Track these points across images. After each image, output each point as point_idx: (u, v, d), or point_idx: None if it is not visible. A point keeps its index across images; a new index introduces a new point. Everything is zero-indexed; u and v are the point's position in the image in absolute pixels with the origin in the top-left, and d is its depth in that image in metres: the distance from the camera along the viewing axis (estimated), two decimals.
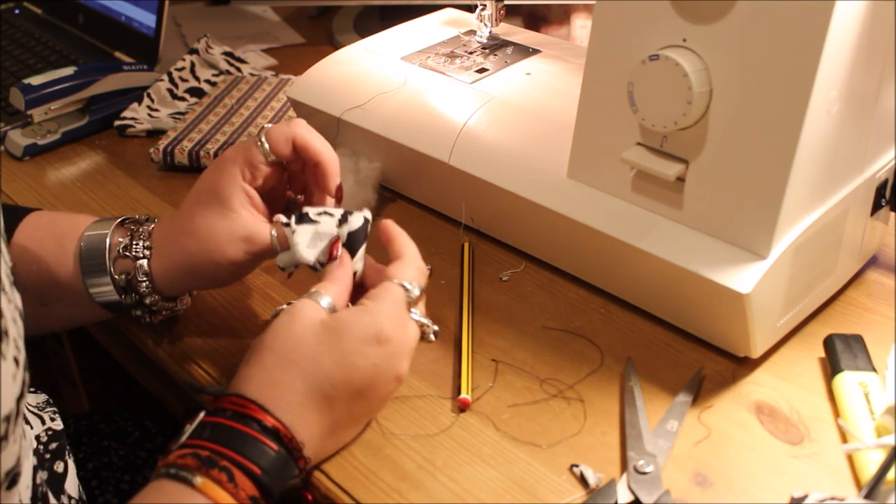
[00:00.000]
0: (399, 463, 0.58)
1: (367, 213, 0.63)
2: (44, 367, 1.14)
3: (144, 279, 0.64)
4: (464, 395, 0.62)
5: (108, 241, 0.64)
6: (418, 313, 0.59)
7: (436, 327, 0.61)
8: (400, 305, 0.58)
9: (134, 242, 0.64)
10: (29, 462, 0.58)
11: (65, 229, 0.66)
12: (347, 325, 0.55)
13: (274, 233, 0.63)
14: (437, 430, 0.61)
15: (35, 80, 0.97)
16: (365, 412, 0.58)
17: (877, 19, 0.59)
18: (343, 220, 0.62)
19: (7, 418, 0.48)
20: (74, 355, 1.04)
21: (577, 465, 0.57)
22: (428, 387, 0.64)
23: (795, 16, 0.56)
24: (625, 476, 0.56)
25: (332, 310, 0.58)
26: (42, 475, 0.63)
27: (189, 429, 0.53)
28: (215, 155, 0.90)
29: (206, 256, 0.62)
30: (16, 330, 0.49)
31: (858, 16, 0.57)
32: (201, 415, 0.54)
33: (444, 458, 0.59)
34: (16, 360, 0.48)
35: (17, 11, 1.29)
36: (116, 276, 0.64)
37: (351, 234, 0.62)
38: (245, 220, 0.63)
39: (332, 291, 0.58)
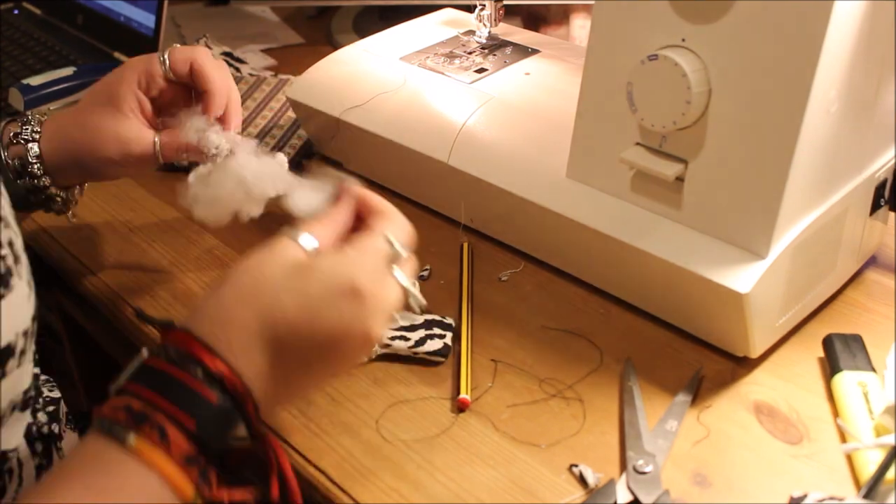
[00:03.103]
0: (399, 463, 0.58)
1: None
2: (43, 368, 1.13)
3: (35, 161, 0.69)
4: (463, 395, 0.62)
5: None
6: (403, 275, 0.53)
7: (423, 300, 0.54)
8: (381, 260, 0.52)
9: (24, 128, 0.70)
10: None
11: None
12: (320, 271, 0.50)
13: (157, 139, 0.67)
14: (436, 430, 0.61)
15: (34, 81, 0.97)
16: (323, 368, 0.52)
17: (876, 19, 0.59)
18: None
19: (25, 332, 0.53)
20: (74, 355, 1.04)
21: (576, 465, 0.57)
22: (427, 387, 0.64)
23: (794, 15, 0.56)
24: (624, 476, 0.56)
25: (316, 253, 0.52)
26: (42, 416, 0.67)
27: (129, 369, 0.49)
28: None
29: (88, 149, 0.68)
30: (25, 258, 0.54)
31: (857, 15, 0.57)
32: (143, 351, 0.50)
33: (444, 458, 0.59)
34: (29, 284, 0.54)
35: (16, 12, 1.29)
36: (11, 161, 0.69)
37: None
38: (130, 124, 0.68)
39: (319, 232, 0.53)
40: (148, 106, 0.69)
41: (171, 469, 0.45)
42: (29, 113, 0.72)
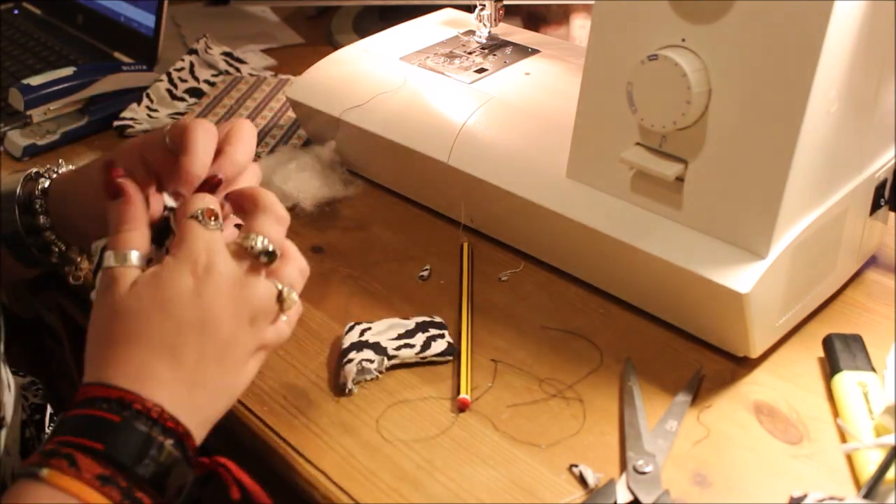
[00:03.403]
0: (399, 463, 0.58)
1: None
2: (43, 368, 1.14)
3: (40, 197, 0.67)
4: (463, 395, 0.62)
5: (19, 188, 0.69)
6: (254, 238, 0.53)
7: (269, 247, 0.54)
8: (201, 234, 0.53)
9: (49, 167, 0.70)
10: (18, 417, 0.59)
11: None
12: (160, 277, 0.52)
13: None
14: (436, 430, 0.61)
15: (34, 81, 0.97)
16: (223, 348, 0.52)
17: (876, 19, 0.59)
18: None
19: None
20: (73, 355, 1.04)
21: (576, 465, 0.57)
22: (427, 387, 0.64)
23: (794, 15, 0.56)
24: (624, 476, 0.56)
25: (146, 260, 0.54)
26: (32, 430, 0.65)
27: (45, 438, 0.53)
28: None
29: (82, 192, 0.65)
30: None
31: (857, 15, 0.57)
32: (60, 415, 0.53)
33: (444, 458, 0.59)
34: None
35: (16, 12, 1.29)
36: (20, 193, 0.68)
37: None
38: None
39: (134, 240, 0.54)
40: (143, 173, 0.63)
41: (82, 488, 0.46)
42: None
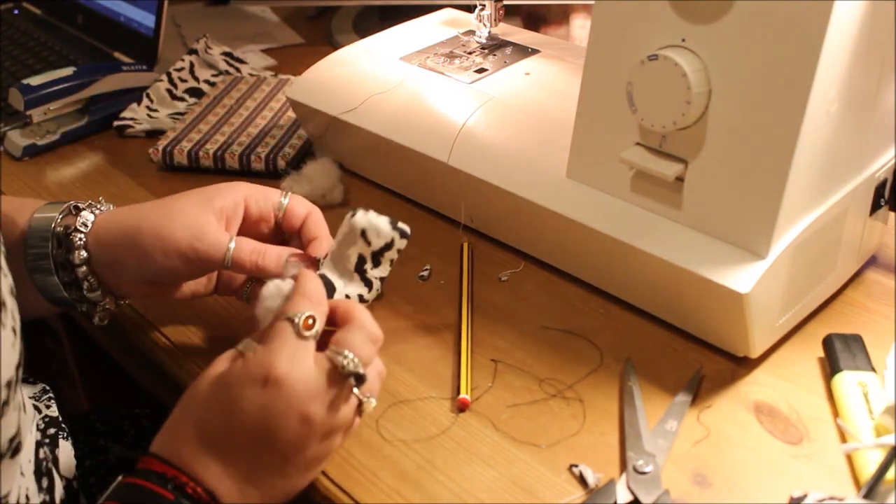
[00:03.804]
0: (399, 463, 0.58)
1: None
2: (43, 368, 1.14)
3: (82, 229, 0.63)
4: (463, 395, 0.62)
5: (53, 227, 0.64)
6: (333, 349, 0.53)
7: (359, 368, 0.53)
8: (290, 342, 0.52)
9: (93, 203, 0.65)
10: (31, 437, 0.59)
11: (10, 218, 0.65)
12: (234, 372, 0.52)
13: (232, 245, 0.62)
14: (436, 430, 0.61)
15: (34, 81, 0.97)
16: (282, 459, 0.53)
17: (876, 19, 0.59)
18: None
19: (8, 384, 0.51)
20: (73, 355, 1.04)
21: (576, 465, 0.57)
22: (427, 387, 0.64)
23: (794, 15, 0.56)
24: (624, 476, 0.56)
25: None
26: (45, 451, 0.64)
27: (109, 489, 0.53)
28: (215, 155, 0.90)
29: (153, 225, 0.61)
30: (11, 302, 0.52)
31: (857, 15, 0.57)
32: (120, 478, 0.53)
33: (444, 458, 0.59)
34: (13, 330, 0.51)
35: (16, 12, 1.29)
36: (57, 228, 0.63)
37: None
38: (211, 220, 0.62)
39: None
40: (237, 225, 0.64)
41: None
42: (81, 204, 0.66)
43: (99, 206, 0.66)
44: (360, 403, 0.55)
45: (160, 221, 0.62)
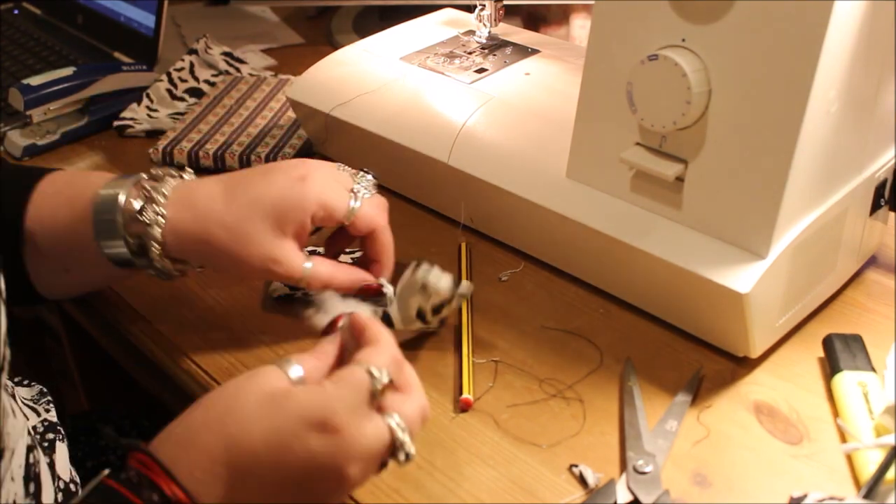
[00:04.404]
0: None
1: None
2: (43, 368, 1.14)
3: (156, 247, 0.62)
4: (465, 395, 0.62)
5: (120, 203, 0.62)
6: (397, 420, 0.49)
7: (411, 448, 0.49)
8: (362, 394, 0.49)
9: (147, 207, 0.62)
10: (23, 441, 0.58)
11: (78, 191, 0.64)
12: (293, 401, 0.48)
13: (308, 265, 0.63)
14: (436, 430, 0.61)
15: (34, 81, 0.97)
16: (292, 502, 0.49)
17: (876, 19, 0.59)
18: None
19: None
20: (73, 355, 1.04)
21: (576, 465, 0.57)
22: (427, 387, 0.64)
23: (794, 15, 0.56)
24: (624, 476, 0.56)
25: (301, 384, 0.51)
26: (37, 454, 0.62)
27: (88, 486, 0.47)
28: (215, 155, 0.90)
29: (227, 252, 0.62)
30: None
31: (857, 15, 0.57)
32: (104, 473, 0.48)
33: (444, 458, 0.59)
34: None
35: (16, 12, 1.29)
36: (130, 240, 0.62)
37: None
38: (286, 246, 0.63)
39: (308, 364, 0.51)
40: (307, 234, 0.64)
41: None
42: (155, 173, 0.64)
43: (174, 173, 0.64)
44: (394, 443, 0.50)
45: (232, 247, 0.62)
